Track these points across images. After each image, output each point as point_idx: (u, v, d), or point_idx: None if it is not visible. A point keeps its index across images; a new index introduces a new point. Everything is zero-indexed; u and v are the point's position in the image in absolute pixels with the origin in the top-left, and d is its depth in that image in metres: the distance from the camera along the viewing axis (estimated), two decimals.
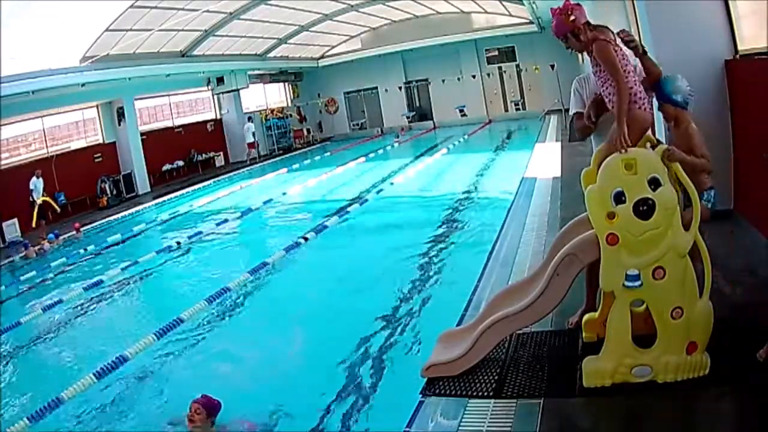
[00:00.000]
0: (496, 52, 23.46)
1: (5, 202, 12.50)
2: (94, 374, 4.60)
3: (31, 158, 14.89)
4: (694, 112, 3.51)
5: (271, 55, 22.13)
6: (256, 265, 7.24)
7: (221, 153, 20.99)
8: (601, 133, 3.63)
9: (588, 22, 3.23)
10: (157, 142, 18.31)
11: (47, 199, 11.89)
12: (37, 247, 10.88)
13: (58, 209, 11.95)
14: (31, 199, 12.36)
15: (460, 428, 3.03)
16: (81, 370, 5.05)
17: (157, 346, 5.31)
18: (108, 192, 15.86)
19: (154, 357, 5.25)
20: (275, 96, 25.38)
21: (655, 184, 2.94)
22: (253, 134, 20.84)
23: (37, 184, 12.26)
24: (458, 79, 23.97)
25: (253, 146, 20.79)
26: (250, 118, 21.47)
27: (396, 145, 20.47)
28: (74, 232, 12.04)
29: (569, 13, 3.21)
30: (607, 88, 3.23)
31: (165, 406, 4.49)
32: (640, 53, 3.41)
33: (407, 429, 3.10)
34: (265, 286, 6.99)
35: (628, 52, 3.34)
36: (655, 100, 3.53)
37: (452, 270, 6.55)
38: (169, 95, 19.85)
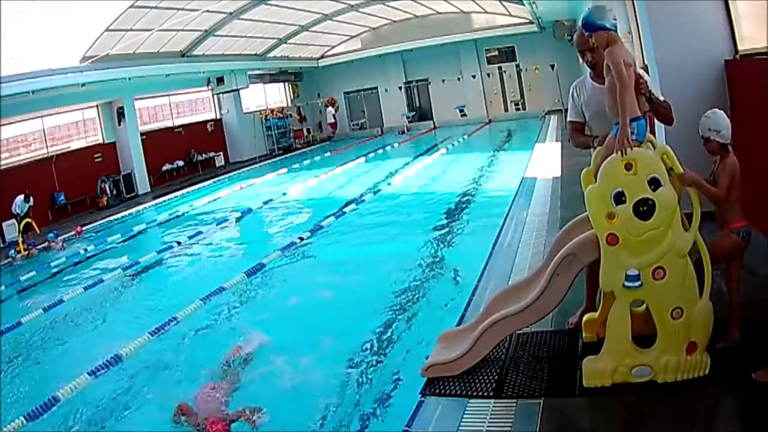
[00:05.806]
0: (496, 52, 23.43)
1: (5, 202, 12.49)
2: (88, 373, 4.61)
3: (31, 158, 14.88)
4: (694, 113, 3.49)
5: (271, 55, 22.11)
6: (253, 265, 7.24)
7: (221, 153, 20.96)
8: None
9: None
10: (157, 142, 18.27)
11: (30, 220, 11.70)
12: (20, 255, 10.83)
13: (38, 231, 11.86)
14: (13, 212, 12.11)
15: (460, 428, 3.03)
16: (76, 368, 5.04)
17: (151, 345, 5.33)
18: (108, 192, 15.84)
19: (149, 356, 5.26)
20: (275, 96, 25.36)
21: (655, 184, 2.94)
22: (334, 116, 25.10)
23: (22, 206, 11.97)
24: (458, 79, 23.94)
25: (335, 126, 25.13)
26: (329, 102, 25.44)
27: (399, 143, 20.50)
28: (74, 233, 12.05)
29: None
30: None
31: (159, 404, 4.48)
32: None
33: (407, 429, 3.10)
34: (264, 285, 6.99)
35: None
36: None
37: (452, 270, 6.54)
38: (169, 95, 19.81)
